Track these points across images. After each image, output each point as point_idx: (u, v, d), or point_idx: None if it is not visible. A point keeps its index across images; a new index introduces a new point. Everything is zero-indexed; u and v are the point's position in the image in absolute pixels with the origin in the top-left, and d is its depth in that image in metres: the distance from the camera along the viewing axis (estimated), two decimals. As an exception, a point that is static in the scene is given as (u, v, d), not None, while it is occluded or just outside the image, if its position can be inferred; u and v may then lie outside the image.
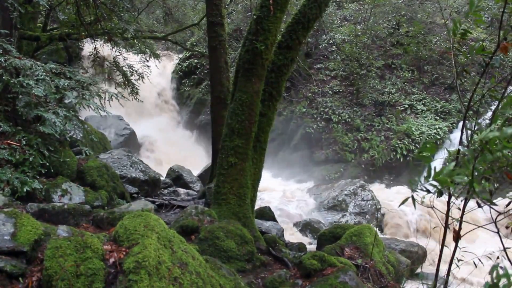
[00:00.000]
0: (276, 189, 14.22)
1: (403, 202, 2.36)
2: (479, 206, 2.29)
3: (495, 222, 2.34)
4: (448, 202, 2.73)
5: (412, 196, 2.26)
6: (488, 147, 1.67)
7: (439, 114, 17.50)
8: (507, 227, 2.60)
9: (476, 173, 1.93)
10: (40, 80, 6.25)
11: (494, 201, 2.09)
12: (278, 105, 7.61)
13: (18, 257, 3.53)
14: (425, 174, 1.93)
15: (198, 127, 21.26)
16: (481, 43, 2.66)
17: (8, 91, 6.35)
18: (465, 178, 1.73)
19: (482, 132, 1.61)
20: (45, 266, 3.35)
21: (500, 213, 2.32)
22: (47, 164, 6.39)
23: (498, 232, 2.39)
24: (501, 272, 1.35)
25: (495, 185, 2.50)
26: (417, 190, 2.16)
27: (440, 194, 2.24)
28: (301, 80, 19.69)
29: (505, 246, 2.40)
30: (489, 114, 15.28)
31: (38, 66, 6.38)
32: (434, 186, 1.91)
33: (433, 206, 2.61)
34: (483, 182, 2.05)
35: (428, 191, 2.09)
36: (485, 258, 3.26)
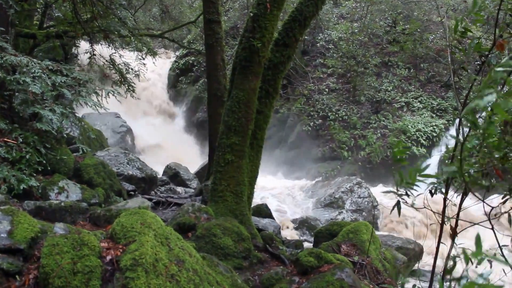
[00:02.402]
0: (273, 186, 14.24)
1: (393, 209, 2.38)
2: (465, 193, 2.30)
3: (489, 218, 2.35)
4: (445, 200, 2.74)
5: (398, 203, 2.27)
6: (472, 120, 1.69)
7: (436, 111, 17.55)
8: (495, 215, 2.61)
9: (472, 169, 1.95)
10: (37, 77, 6.23)
11: (492, 197, 2.11)
12: (275, 102, 7.61)
13: (15, 255, 3.52)
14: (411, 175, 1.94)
15: (195, 125, 21.25)
16: (478, 41, 2.67)
17: (5, 88, 6.34)
18: (455, 167, 1.74)
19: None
20: (42, 264, 3.35)
21: (493, 208, 2.33)
22: (44, 161, 6.38)
23: (492, 228, 2.40)
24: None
25: (491, 180, 2.51)
26: (403, 194, 2.17)
27: (432, 194, 2.25)
28: (298, 78, 19.69)
29: (500, 242, 2.42)
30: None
31: (35, 63, 6.37)
32: (413, 185, 1.93)
33: (425, 206, 2.62)
34: (474, 174, 2.06)
35: (407, 195, 2.10)
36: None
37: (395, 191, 2.19)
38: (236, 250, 5.65)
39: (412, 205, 2.41)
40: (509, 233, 2.63)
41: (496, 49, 2.63)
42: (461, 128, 2.67)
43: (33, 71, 6.26)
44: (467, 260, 1.25)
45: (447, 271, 1.62)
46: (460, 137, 2.20)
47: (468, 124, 1.76)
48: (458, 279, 1.47)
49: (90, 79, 7.47)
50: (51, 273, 3.28)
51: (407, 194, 2.21)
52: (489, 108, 1.53)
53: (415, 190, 2.05)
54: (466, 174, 1.98)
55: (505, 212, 2.62)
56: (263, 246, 6.41)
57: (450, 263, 2.78)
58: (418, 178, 1.88)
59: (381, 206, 11.46)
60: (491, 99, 1.45)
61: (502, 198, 2.58)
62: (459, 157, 1.98)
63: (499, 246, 2.47)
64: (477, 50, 2.65)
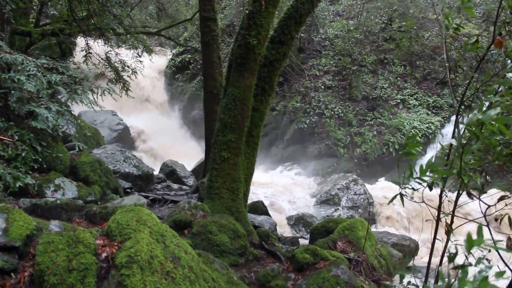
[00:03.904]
0: (269, 183, 14.24)
1: (392, 200, 2.39)
2: (469, 196, 2.31)
3: (484, 216, 2.36)
4: (440, 196, 2.75)
5: (401, 194, 2.28)
6: (474, 132, 1.70)
7: (431, 109, 17.58)
8: (496, 220, 2.62)
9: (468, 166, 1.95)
10: (32, 76, 6.22)
11: (488, 192, 2.11)
12: (271, 100, 7.61)
13: (10, 253, 3.52)
14: (416, 169, 1.94)
15: (191, 122, 21.24)
16: (475, 39, 2.68)
17: (0, 86, 6.33)
18: (454, 170, 1.75)
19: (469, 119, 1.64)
20: (37, 261, 3.35)
21: (489, 206, 2.34)
22: (40, 159, 6.37)
23: (487, 225, 2.41)
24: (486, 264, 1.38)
25: (487, 178, 2.52)
26: (406, 187, 2.18)
27: (430, 188, 2.26)
28: (294, 75, 19.69)
29: (495, 239, 2.42)
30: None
31: (29, 61, 6.35)
32: (423, 181, 1.93)
33: (424, 201, 2.63)
34: (471, 174, 2.07)
35: (413, 189, 2.11)
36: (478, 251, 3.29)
37: (399, 183, 2.20)
38: (232, 247, 5.66)
39: (411, 198, 2.43)
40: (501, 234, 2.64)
41: (495, 46, 2.64)
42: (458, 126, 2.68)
43: (28, 69, 6.24)
44: (469, 247, 1.27)
45: (450, 258, 1.63)
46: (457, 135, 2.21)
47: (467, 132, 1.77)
48: (462, 266, 1.48)
49: (85, 77, 7.46)
50: (46, 271, 3.27)
51: (413, 189, 2.22)
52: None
53: (422, 185, 2.06)
54: (463, 173, 1.98)
55: (505, 215, 2.63)
56: (259, 243, 6.42)
57: (445, 258, 2.79)
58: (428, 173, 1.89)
59: (377, 203, 11.48)
60: (494, 114, 1.46)
61: (498, 199, 2.59)
62: (456, 155, 1.98)
63: (493, 242, 2.47)
64: (473, 50, 2.66)
